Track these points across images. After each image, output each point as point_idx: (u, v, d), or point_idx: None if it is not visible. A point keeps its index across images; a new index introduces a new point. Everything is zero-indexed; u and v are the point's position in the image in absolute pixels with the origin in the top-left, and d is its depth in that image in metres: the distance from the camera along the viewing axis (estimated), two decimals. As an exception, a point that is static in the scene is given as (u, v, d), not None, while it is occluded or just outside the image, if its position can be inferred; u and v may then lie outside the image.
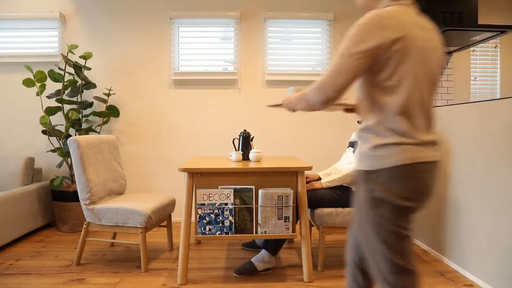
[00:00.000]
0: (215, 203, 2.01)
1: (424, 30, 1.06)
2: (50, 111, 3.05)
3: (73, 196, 3.03)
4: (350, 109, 1.42)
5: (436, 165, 1.10)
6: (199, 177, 2.05)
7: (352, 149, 2.38)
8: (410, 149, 1.04)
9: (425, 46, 1.04)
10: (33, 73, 2.98)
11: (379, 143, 1.06)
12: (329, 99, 1.07)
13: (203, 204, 2.03)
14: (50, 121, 3.08)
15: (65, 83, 3.13)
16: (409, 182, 1.04)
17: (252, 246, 2.64)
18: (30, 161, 3.12)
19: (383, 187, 1.06)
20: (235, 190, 2.01)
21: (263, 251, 2.20)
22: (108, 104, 3.31)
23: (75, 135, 2.83)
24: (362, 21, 1.01)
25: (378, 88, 1.05)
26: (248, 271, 2.16)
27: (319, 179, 2.57)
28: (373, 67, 1.04)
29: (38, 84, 3.02)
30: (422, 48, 1.03)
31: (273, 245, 2.17)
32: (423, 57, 1.04)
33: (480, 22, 3.22)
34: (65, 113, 3.14)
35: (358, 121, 2.44)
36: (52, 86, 3.34)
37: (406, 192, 1.05)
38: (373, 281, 1.26)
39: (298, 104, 1.22)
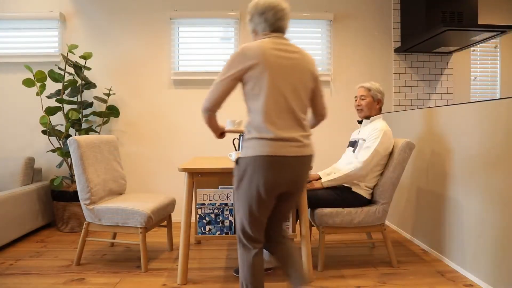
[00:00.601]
0: (215, 203, 2.01)
1: (284, 53, 1.40)
2: (50, 111, 3.05)
3: (73, 196, 3.03)
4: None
5: (296, 159, 1.37)
6: (199, 177, 2.05)
7: (352, 148, 2.38)
8: (268, 144, 1.34)
9: (284, 64, 1.38)
10: (33, 73, 2.98)
11: (248, 137, 1.40)
12: (212, 107, 1.45)
13: (203, 204, 2.03)
14: (50, 121, 3.08)
15: (65, 83, 3.13)
16: (263, 170, 1.34)
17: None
18: (30, 161, 3.12)
19: (247, 171, 1.37)
20: (235, 190, 2.01)
21: (264, 251, 2.19)
22: (108, 104, 3.31)
23: (75, 135, 2.83)
24: (234, 52, 1.42)
25: (248, 97, 1.42)
26: None
27: (319, 178, 2.56)
28: (242, 83, 1.42)
29: (38, 84, 3.02)
30: (281, 66, 1.37)
31: None
32: (283, 73, 1.37)
33: (480, 22, 3.23)
34: (65, 113, 3.14)
35: (358, 121, 2.44)
36: (52, 86, 3.34)
37: (260, 178, 1.34)
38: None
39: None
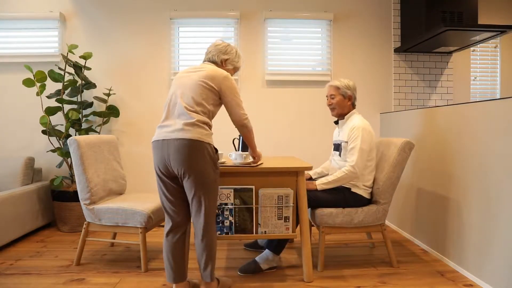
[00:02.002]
0: (215, 203, 2.01)
1: (191, 71, 1.84)
2: (50, 111, 3.05)
3: (73, 196, 3.03)
4: None
5: (167, 142, 1.67)
6: (199, 177, 2.04)
7: (337, 152, 2.37)
8: (156, 132, 1.75)
9: (184, 77, 1.82)
10: (33, 73, 2.98)
11: None
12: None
13: (203, 204, 2.02)
14: (50, 121, 3.08)
15: (65, 83, 3.13)
16: (153, 152, 1.74)
17: (254, 247, 2.64)
18: (30, 161, 3.12)
19: None
20: (235, 190, 2.01)
21: (266, 251, 2.20)
22: (108, 104, 3.31)
23: (75, 135, 2.83)
24: None
25: None
26: (252, 270, 2.17)
27: (310, 178, 2.57)
28: None
29: (38, 84, 3.02)
30: (181, 78, 1.82)
31: (277, 245, 2.17)
32: (180, 82, 1.80)
33: (480, 22, 3.23)
34: (65, 113, 3.14)
35: (334, 122, 2.45)
36: (52, 86, 3.34)
37: (154, 159, 1.73)
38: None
39: None
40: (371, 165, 2.28)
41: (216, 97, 1.79)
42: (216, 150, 1.77)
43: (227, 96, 1.80)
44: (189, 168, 1.65)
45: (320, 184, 2.23)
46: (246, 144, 2.50)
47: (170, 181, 1.74)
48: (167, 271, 1.79)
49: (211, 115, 1.80)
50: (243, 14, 3.44)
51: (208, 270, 1.78)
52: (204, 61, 1.97)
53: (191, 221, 1.82)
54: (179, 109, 1.72)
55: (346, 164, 2.21)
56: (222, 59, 1.93)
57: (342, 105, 2.33)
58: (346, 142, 2.26)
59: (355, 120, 2.28)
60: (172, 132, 1.67)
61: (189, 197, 1.73)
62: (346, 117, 2.35)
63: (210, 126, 1.77)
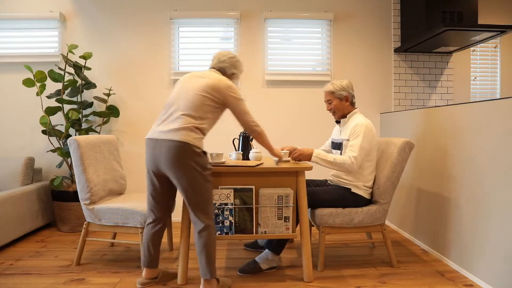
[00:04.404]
0: (215, 203, 2.01)
1: (195, 75, 1.93)
2: (50, 111, 3.05)
3: (73, 196, 3.03)
4: None
5: (156, 141, 1.77)
6: (199, 177, 2.04)
7: (338, 151, 2.36)
8: (151, 130, 1.85)
9: (187, 81, 1.91)
10: (33, 73, 2.98)
11: None
12: None
13: (203, 204, 2.02)
14: (50, 121, 3.08)
15: (65, 83, 3.13)
16: (145, 149, 1.85)
17: (254, 247, 2.64)
18: (30, 161, 3.12)
19: None
20: (235, 190, 2.01)
21: (266, 251, 2.20)
22: (108, 104, 3.31)
23: (75, 135, 2.83)
24: None
25: None
26: (252, 270, 2.17)
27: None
28: None
29: (38, 84, 3.02)
30: (183, 82, 1.92)
31: (277, 245, 2.17)
32: (181, 87, 1.90)
33: (480, 22, 3.23)
34: (65, 113, 3.14)
35: (336, 121, 2.43)
36: (52, 86, 3.34)
37: (146, 156, 1.85)
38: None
39: None
40: (371, 165, 2.28)
41: (217, 105, 1.87)
42: (205, 153, 1.84)
43: (233, 106, 1.90)
44: (176, 168, 1.75)
45: (316, 156, 2.18)
46: (245, 144, 2.51)
47: (157, 178, 1.87)
48: (142, 256, 1.99)
49: (208, 121, 1.86)
50: (243, 14, 3.44)
51: (207, 266, 1.81)
52: (213, 67, 2.04)
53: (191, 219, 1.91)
54: (177, 113, 1.81)
55: (346, 154, 2.17)
56: (232, 72, 2.05)
57: (341, 107, 2.33)
58: (348, 140, 2.25)
59: (358, 118, 2.27)
60: (165, 133, 1.76)
61: (182, 196, 1.84)
62: (348, 116, 2.34)
63: (203, 131, 1.82)
